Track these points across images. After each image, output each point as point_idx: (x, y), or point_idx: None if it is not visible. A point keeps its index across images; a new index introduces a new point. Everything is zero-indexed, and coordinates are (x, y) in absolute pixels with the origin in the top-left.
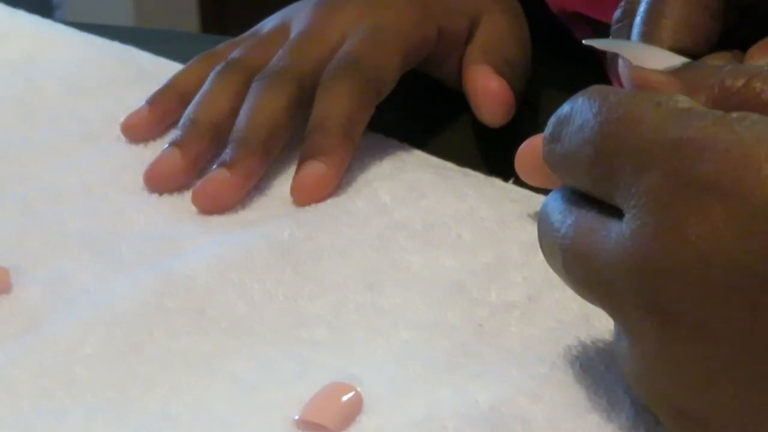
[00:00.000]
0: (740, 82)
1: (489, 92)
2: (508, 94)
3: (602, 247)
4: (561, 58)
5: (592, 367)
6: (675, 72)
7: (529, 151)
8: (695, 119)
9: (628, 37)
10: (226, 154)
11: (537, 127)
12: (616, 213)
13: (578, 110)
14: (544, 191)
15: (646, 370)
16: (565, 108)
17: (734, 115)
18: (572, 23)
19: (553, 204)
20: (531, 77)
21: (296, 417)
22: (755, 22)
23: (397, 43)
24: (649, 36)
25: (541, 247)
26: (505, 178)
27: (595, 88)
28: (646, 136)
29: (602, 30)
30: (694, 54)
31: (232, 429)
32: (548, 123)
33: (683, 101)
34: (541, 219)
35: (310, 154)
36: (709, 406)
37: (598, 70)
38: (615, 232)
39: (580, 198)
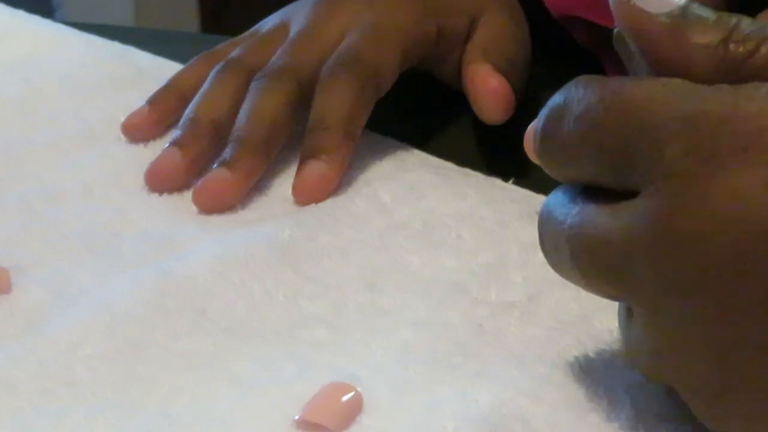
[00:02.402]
0: (748, 48)
1: (489, 90)
2: (508, 93)
3: (615, 228)
4: (561, 60)
5: (592, 367)
6: (675, 23)
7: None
8: (710, 93)
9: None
10: (227, 153)
11: None
12: (624, 196)
13: (575, 100)
14: (545, 191)
15: (664, 347)
16: (556, 100)
17: (749, 85)
18: (572, 26)
19: (554, 201)
20: (530, 78)
21: (296, 417)
22: None
23: (396, 41)
24: None
25: (543, 247)
26: (505, 178)
27: (587, 77)
28: (660, 112)
29: (602, 33)
30: None
31: (232, 429)
32: (539, 119)
33: (681, 82)
34: (543, 218)
35: (311, 153)
36: (730, 378)
37: (597, 70)
38: (628, 213)
39: (581, 190)
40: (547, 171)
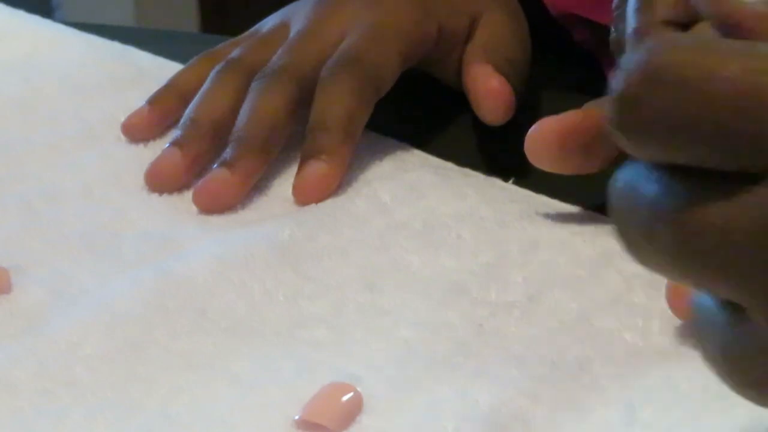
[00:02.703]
0: None
1: (490, 91)
2: (508, 93)
3: (745, 215)
4: (560, 58)
5: (592, 367)
6: None
7: (542, 132)
8: None
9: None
10: (227, 153)
11: None
12: (736, 179)
13: (679, 64)
14: (545, 191)
15: None
16: (646, 59)
17: None
18: (571, 25)
19: (640, 178)
20: (530, 78)
21: (296, 417)
22: None
23: (396, 41)
24: (643, 6)
25: (625, 230)
26: (505, 178)
27: (682, 36)
28: None
29: (601, 32)
30: (686, 25)
31: (232, 429)
32: (618, 79)
33: None
34: (626, 199)
35: (311, 153)
36: None
37: (597, 70)
38: (761, 201)
39: (676, 169)
40: (625, 147)
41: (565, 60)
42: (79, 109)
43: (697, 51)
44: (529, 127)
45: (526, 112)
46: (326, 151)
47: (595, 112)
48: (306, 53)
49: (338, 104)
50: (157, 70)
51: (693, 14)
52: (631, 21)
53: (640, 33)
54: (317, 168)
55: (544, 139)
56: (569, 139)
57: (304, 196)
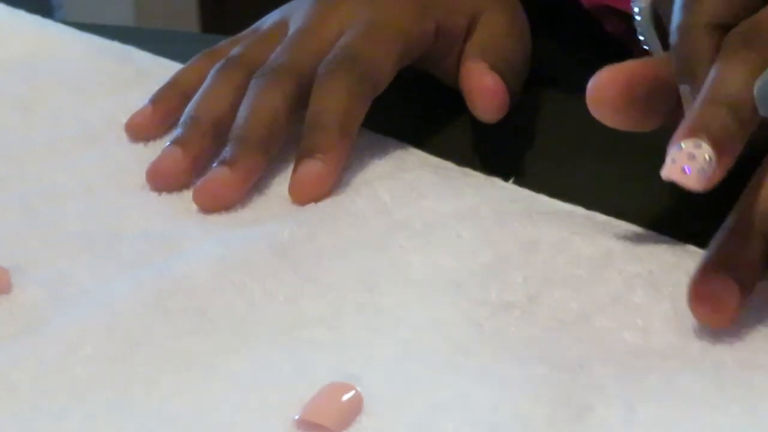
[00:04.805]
0: None
1: (484, 89)
2: (502, 92)
3: None
4: (592, 50)
5: (592, 367)
6: None
7: (605, 80)
8: None
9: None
10: (226, 152)
11: (537, 126)
12: None
13: None
14: (545, 191)
15: None
16: None
17: None
18: (603, 16)
19: None
20: (562, 69)
21: (296, 417)
22: None
23: (394, 38)
24: (689, 9)
25: None
26: (505, 178)
27: None
28: None
29: (632, 22)
30: (730, 26)
31: (232, 429)
32: None
33: None
34: None
35: (307, 151)
36: None
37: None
38: None
39: None
40: None
41: (597, 51)
42: (79, 109)
43: None
44: (531, 126)
45: (526, 112)
46: (322, 149)
47: (657, 61)
48: (304, 51)
49: (334, 102)
50: (157, 70)
51: (738, 17)
52: (676, 17)
53: (682, 33)
54: (313, 166)
55: (607, 87)
56: (633, 88)
57: (301, 195)
